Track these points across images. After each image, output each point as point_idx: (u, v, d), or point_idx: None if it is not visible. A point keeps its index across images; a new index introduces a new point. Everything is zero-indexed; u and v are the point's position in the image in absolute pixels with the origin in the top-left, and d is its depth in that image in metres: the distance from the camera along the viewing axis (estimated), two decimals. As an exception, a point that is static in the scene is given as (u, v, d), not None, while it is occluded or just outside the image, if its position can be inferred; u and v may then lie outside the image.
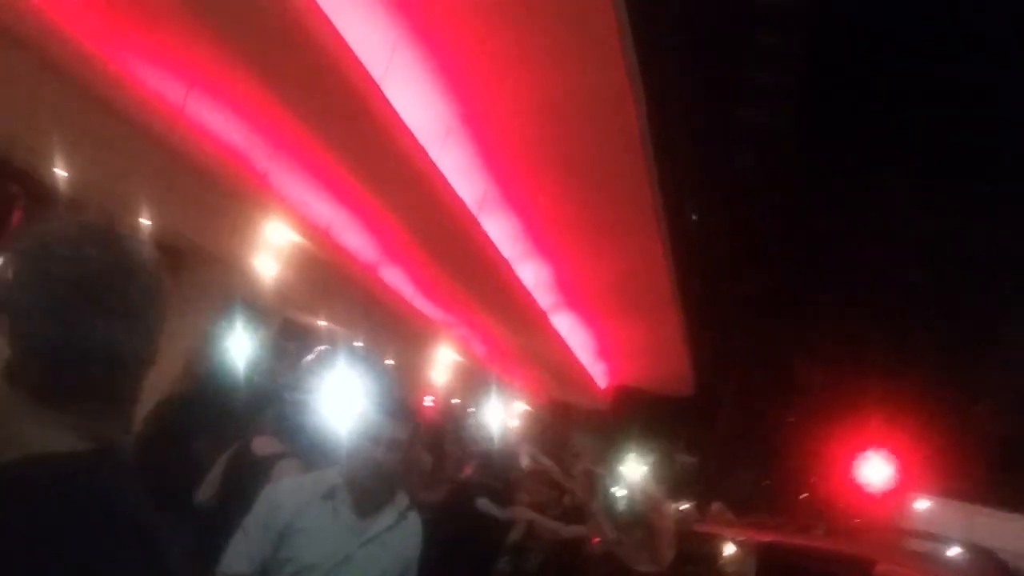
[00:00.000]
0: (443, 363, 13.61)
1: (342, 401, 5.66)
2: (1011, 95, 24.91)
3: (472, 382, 14.36)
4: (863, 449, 21.47)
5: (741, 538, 5.30)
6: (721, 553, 6.17)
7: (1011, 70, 24.66)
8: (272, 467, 4.03)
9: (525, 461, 7.46)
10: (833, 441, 22.92)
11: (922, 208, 24.35)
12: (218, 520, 3.92)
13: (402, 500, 3.32)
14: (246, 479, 4.00)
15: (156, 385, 4.95)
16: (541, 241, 11.46)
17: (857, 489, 20.88)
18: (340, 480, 3.21)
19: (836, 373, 25.58)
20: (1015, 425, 23.42)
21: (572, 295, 13.58)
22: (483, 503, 5.60)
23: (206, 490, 4.20)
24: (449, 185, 8.69)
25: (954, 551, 3.27)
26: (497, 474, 6.29)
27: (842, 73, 26.93)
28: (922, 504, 18.66)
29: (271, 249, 9.23)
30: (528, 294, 12.09)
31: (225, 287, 8.47)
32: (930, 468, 20.60)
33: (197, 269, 8.31)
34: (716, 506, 9.35)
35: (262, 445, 4.19)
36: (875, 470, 21.10)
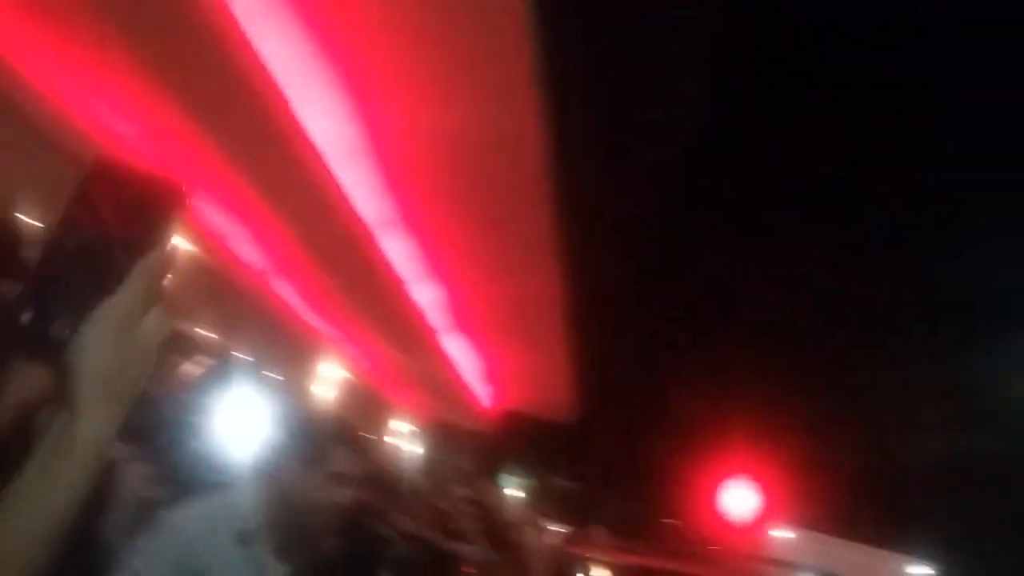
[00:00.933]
0: (331, 379, 13.40)
1: (239, 420, 5.52)
2: (904, 154, 26.53)
3: (359, 399, 14.19)
4: (728, 478, 22.32)
5: (611, 560, 5.45)
6: (592, 574, 6.32)
7: (908, 126, 26.25)
8: (121, 469, 3.88)
9: (412, 483, 7.46)
10: (701, 470, 23.70)
11: (793, 249, 25.62)
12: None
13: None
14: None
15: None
16: (438, 264, 11.47)
17: (721, 517, 21.65)
18: (257, 517, 2.68)
19: (707, 405, 26.50)
20: (871, 461, 24.81)
21: (464, 318, 13.63)
22: (379, 525, 5.57)
23: None
24: (349, 202, 8.63)
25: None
26: (384, 494, 6.26)
27: (740, 117, 28.12)
28: (784, 534, 19.51)
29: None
30: (420, 314, 12.07)
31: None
32: (792, 500, 21.55)
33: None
34: (595, 530, 9.52)
35: (117, 450, 4.00)
36: (739, 499, 21.96)
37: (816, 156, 27.31)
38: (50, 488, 1.00)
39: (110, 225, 1.10)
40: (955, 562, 20.88)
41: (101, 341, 1.03)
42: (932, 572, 18.78)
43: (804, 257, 25.48)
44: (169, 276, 1.15)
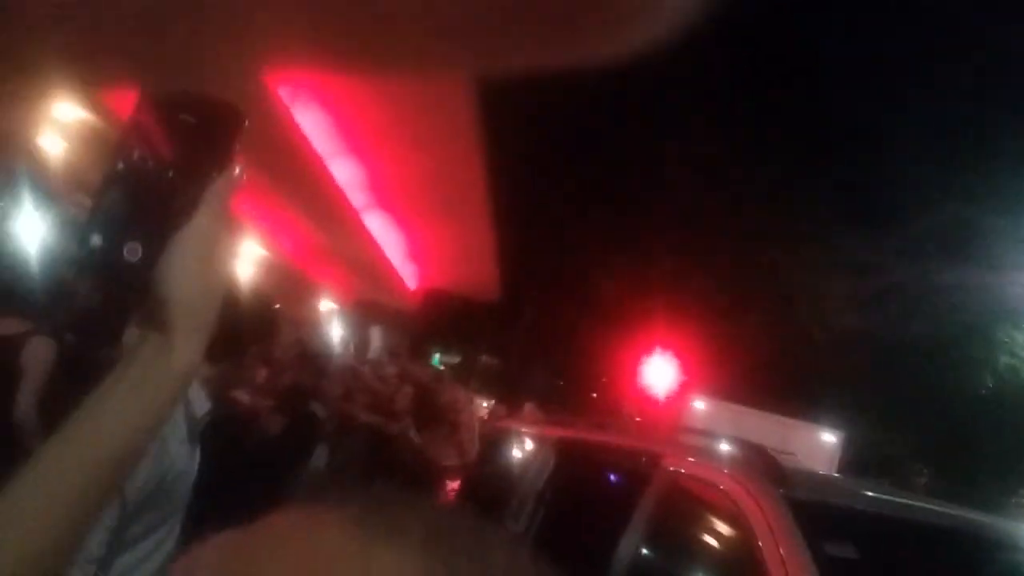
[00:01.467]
0: (247, 258, 13.21)
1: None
2: (805, 40, 26.67)
3: (279, 278, 14.06)
4: (648, 353, 23.13)
5: (540, 433, 5.67)
6: (522, 447, 6.57)
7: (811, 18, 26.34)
8: (22, 347, 3.80)
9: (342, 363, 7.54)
10: (622, 347, 24.46)
11: (710, 134, 25.88)
12: None
13: None
14: None
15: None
16: (356, 138, 11.24)
17: (642, 389, 22.55)
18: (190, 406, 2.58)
19: (628, 283, 27.11)
20: (783, 334, 25.87)
21: (385, 195, 13.48)
22: (316, 406, 5.66)
23: None
24: (262, 77, 8.33)
25: (726, 445, 3.69)
26: (316, 375, 6.34)
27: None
28: (700, 404, 20.38)
29: (60, 127, 8.54)
30: (340, 191, 11.90)
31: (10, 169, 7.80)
32: (707, 372, 22.45)
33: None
34: (528, 406, 9.81)
35: (4, 325, 3.89)
36: (659, 373, 22.85)
37: (735, 44, 27.26)
38: (140, 411, 1.01)
39: (172, 151, 1.09)
40: (860, 428, 22.18)
41: (187, 268, 1.05)
42: (838, 438, 19.94)
43: (721, 138, 25.75)
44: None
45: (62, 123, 8.48)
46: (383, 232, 14.85)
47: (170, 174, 1.10)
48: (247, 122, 1.19)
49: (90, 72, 7.61)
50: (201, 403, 2.60)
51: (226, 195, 1.15)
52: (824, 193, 26.04)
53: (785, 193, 26.72)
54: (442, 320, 21.95)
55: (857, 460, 22.25)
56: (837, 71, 26.76)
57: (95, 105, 8.61)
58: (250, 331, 3.03)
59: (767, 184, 26.44)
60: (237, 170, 1.17)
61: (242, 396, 4.92)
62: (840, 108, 26.61)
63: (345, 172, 11.78)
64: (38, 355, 3.78)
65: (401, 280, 18.05)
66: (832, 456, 19.93)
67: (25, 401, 3.66)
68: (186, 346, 1.05)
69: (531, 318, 28.88)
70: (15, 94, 7.85)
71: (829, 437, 20.03)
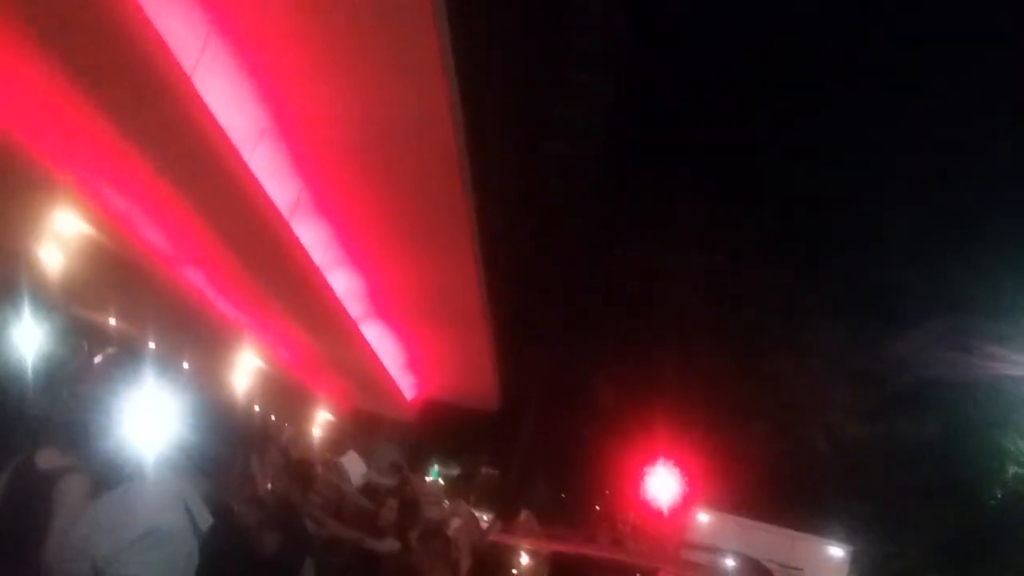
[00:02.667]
0: (245, 368, 13.14)
1: (140, 410, 5.35)
2: (801, 147, 27.33)
3: (275, 388, 13.97)
4: (650, 463, 22.71)
5: (534, 548, 5.50)
6: (516, 562, 6.36)
7: (804, 127, 27.05)
8: (56, 483, 3.70)
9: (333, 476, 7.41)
10: (624, 456, 24.07)
11: (711, 242, 26.20)
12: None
13: None
14: (28, 499, 3.66)
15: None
16: (353, 249, 11.37)
17: (645, 501, 22.03)
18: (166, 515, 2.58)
19: (629, 392, 26.90)
20: (787, 445, 25.50)
21: (383, 305, 13.54)
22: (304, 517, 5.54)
23: None
24: (260, 186, 8.48)
25: (727, 560, 3.54)
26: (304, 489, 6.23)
27: (651, 110, 28.62)
28: (703, 517, 19.88)
29: (60, 240, 8.63)
30: (338, 302, 11.94)
31: (7, 278, 7.82)
32: (711, 484, 22.01)
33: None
34: (524, 515, 9.55)
35: (46, 459, 3.81)
36: (662, 485, 22.37)
37: (730, 151, 27.96)
38: None
39: None
40: (869, 542, 21.59)
41: None
42: (846, 552, 19.38)
43: (720, 248, 26.06)
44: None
45: (61, 236, 8.59)
46: (381, 342, 14.85)
47: None
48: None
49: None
50: (204, 517, 2.58)
51: None
52: (826, 302, 26.17)
53: (788, 302, 26.88)
54: (440, 431, 21.68)
55: (868, 574, 21.56)
56: (850, 176, 27.23)
57: (93, 218, 8.76)
58: (242, 445, 3.08)
59: (770, 292, 26.64)
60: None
61: (239, 508, 4.81)
62: (842, 214, 27.02)
63: (342, 282, 11.87)
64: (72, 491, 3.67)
65: (399, 390, 17.94)
66: (840, 571, 19.31)
67: (55, 540, 3.54)
68: None
69: (531, 428, 28.52)
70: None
71: (837, 551, 19.46)
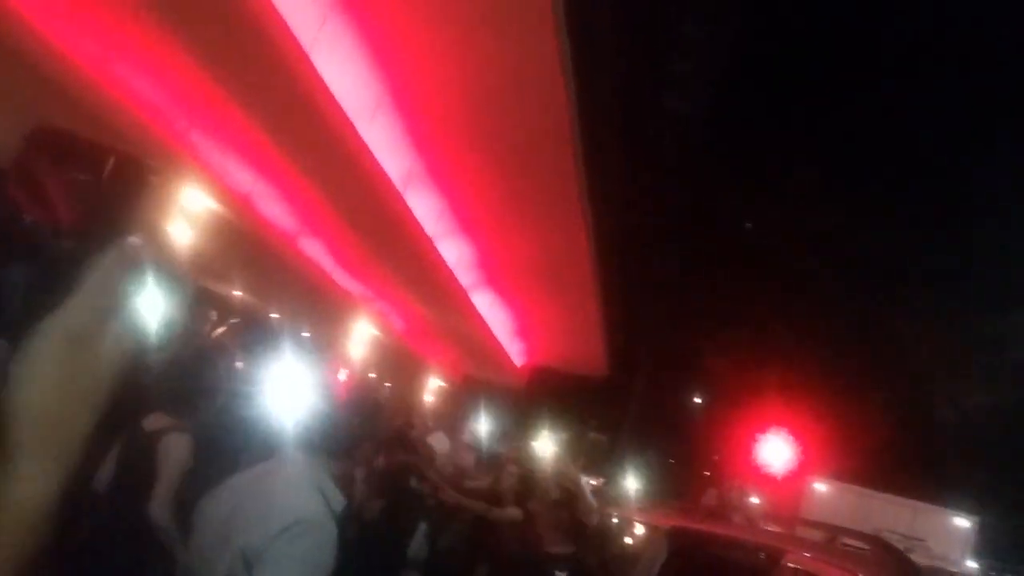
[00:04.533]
0: (361, 337, 13.49)
1: (269, 386, 5.54)
2: (925, 106, 26.02)
3: (390, 358, 14.29)
4: (764, 432, 22.28)
5: (652, 521, 5.45)
6: (633, 533, 6.33)
7: (927, 84, 25.73)
8: (159, 440, 3.91)
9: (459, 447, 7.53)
10: (736, 423, 23.69)
11: (826, 204, 25.29)
12: (115, 510, 3.78)
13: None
14: (137, 457, 3.86)
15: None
16: (465, 219, 11.43)
17: (758, 469, 21.65)
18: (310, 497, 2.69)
19: (741, 359, 26.40)
20: (907, 413, 24.60)
21: (493, 274, 13.61)
22: (414, 482, 5.63)
23: (100, 480, 3.84)
24: (375, 159, 8.59)
25: (859, 544, 3.41)
26: (426, 454, 6.34)
27: (765, 69, 27.65)
28: (820, 487, 19.44)
29: (187, 215, 8.97)
30: (449, 271, 12.07)
31: (137, 252, 8.20)
32: (828, 453, 21.47)
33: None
34: (711, 493, 9.32)
35: (151, 421, 4.04)
36: (775, 452, 21.92)
37: (848, 109, 26.78)
38: None
39: (57, 211, 0.90)
40: (995, 512, 20.72)
41: (44, 371, 0.76)
42: (971, 523, 18.64)
43: (839, 209, 25.12)
44: (134, 277, 0.85)
45: (188, 211, 8.95)
46: (491, 310, 14.96)
47: (52, 240, 0.84)
48: (154, 181, 0.95)
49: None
50: (338, 500, 2.67)
51: (117, 272, 0.84)
52: (955, 265, 25.01)
53: (913, 265, 25.76)
54: (549, 397, 21.79)
55: (994, 546, 20.70)
56: (974, 138, 25.87)
57: (217, 193, 9.08)
58: (368, 425, 3.08)
59: (893, 255, 25.59)
60: (137, 241, 0.86)
61: (363, 486, 4.94)
62: (975, 177, 25.69)
63: (454, 252, 11.97)
64: (176, 450, 3.89)
65: (509, 357, 18.08)
66: (966, 542, 18.60)
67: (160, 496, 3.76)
68: (31, 475, 0.76)
69: (640, 395, 28.35)
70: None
71: (962, 522, 18.75)
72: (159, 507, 3.75)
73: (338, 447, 2.79)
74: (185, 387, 4.29)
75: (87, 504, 3.88)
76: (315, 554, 2.49)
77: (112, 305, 0.86)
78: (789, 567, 3.30)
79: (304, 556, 2.46)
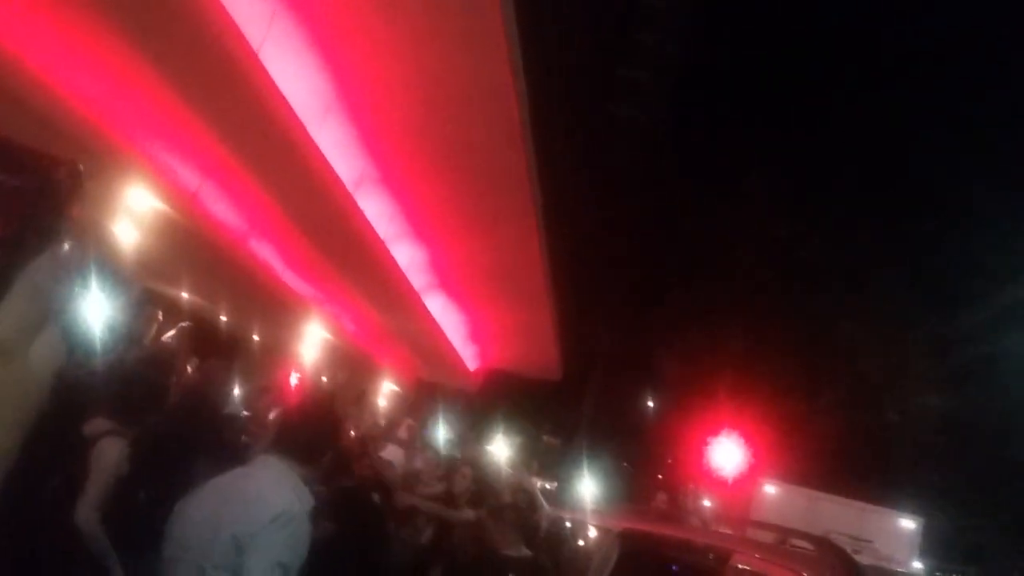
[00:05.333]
0: (312, 341, 13.34)
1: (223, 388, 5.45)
2: (879, 113, 26.59)
3: (342, 362, 14.16)
4: (716, 435, 22.54)
5: (603, 524, 5.47)
6: (584, 535, 6.35)
7: (882, 91, 26.32)
8: (95, 444, 3.87)
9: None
10: (689, 427, 23.92)
11: (778, 210, 25.70)
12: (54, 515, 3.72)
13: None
14: (71, 463, 3.82)
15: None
16: (417, 222, 11.39)
17: (708, 472, 21.89)
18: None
19: (691, 362, 26.67)
20: (852, 417, 25.07)
21: (446, 277, 13.58)
22: (377, 497, 5.64)
23: (45, 483, 3.78)
24: (326, 161, 8.53)
25: (805, 545, 3.45)
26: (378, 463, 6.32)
27: (716, 76, 28.02)
28: (770, 488, 19.70)
29: (133, 215, 8.80)
30: (402, 274, 12.01)
31: (82, 254, 8.01)
32: (778, 455, 21.78)
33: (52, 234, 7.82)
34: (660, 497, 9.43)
35: (92, 425, 3.99)
36: (727, 455, 22.18)
37: (802, 115, 27.27)
38: None
39: None
40: (939, 514, 21.19)
41: None
42: (917, 524, 19.04)
43: (788, 215, 25.57)
44: (65, 284, 0.91)
45: (133, 211, 8.77)
46: (444, 314, 14.92)
47: None
48: (84, 189, 0.97)
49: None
50: (307, 500, 3.04)
51: (45, 281, 0.87)
52: (900, 269, 25.54)
53: (862, 270, 26.27)
54: (503, 401, 21.79)
55: (939, 546, 21.16)
56: (918, 144, 26.50)
57: (164, 193, 8.92)
58: (326, 432, 3.37)
59: (842, 261, 26.07)
60: (67, 245, 0.91)
61: (323, 489, 4.91)
62: (917, 183, 26.29)
63: (406, 255, 11.92)
64: (108, 455, 3.81)
65: (462, 361, 18.03)
66: (912, 543, 19.00)
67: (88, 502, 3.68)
68: None
69: (594, 398, 28.50)
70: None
71: (908, 523, 19.15)
72: (85, 512, 3.68)
73: (304, 454, 3.09)
74: (131, 392, 4.23)
75: (28, 509, 3.80)
76: (295, 541, 2.89)
77: (42, 314, 0.87)
78: (737, 568, 3.33)
79: (287, 541, 2.84)
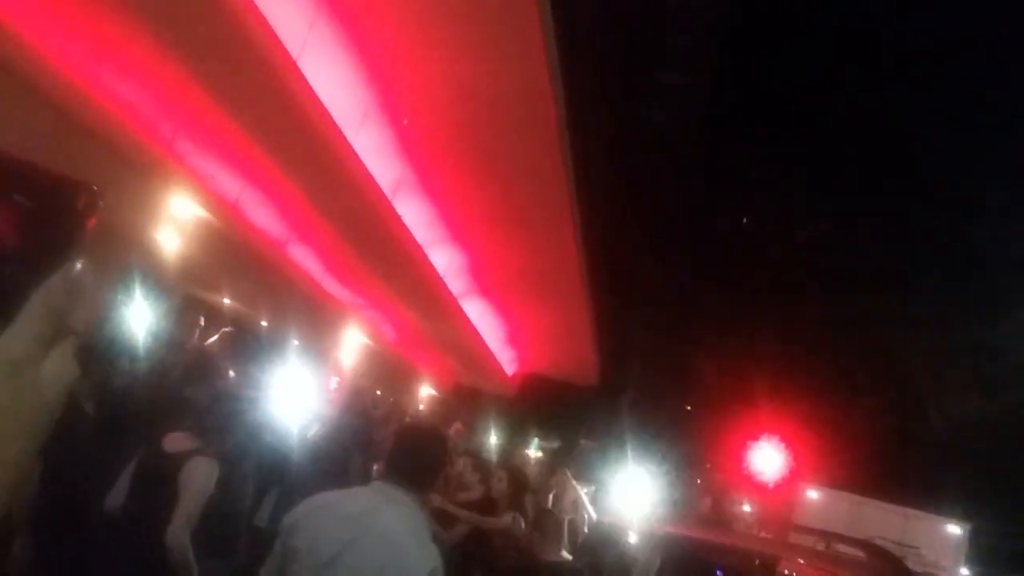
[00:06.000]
0: (351, 346, 13.42)
1: (266, 392, 5.46)
2: (915, 113, 26.16)
3: (382, 366, 14.23)
4: (755, 439, 22.27)
5: (646, 528, 5.42)
6: (628, 541, 6.29)
7: (918, 92, 25.90)
8: (184, 463, 3.85)
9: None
10: (728, 431, 23.68)
11: (816, 213, 25.43)
12: (128, 529, 3.75)
13: None
14: (157, 478, 3.82)
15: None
16: (455, 227, 11.42)
17: (748, 477, 21.64)
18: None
19: (730, 366, 26.42)
20: (896, 421, 24.66)
21: (483, 282, 13.60)
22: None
23: (114, 497, 3.86)
24: (364, 167, 8.57)
25: (851, 550, 3.37)
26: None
27: (751, 78, 27.78)
28: (813, 494, 19.44)
29: (175, 223, 8.91)
30: (440, 279, 12.04)
31: (126, 262, 8.13)
32: (820, 460, 21.48)
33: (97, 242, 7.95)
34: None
35: (172, 441, 3.98)
36: (767, 459, 21.91)
37: (837, 118, 26.95)
38: None
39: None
40: (986, 520, 20.76)
41: None
42: (963, 530, 18.65)
43: (828, 219, 25.28)
44: (78, 302, 0.92)
45: (176, 219, 8.89)
46: (481, 318, 14.94)
47: None
48: (97, 207, 0.95)
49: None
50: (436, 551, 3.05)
51: (59, 298, 0.86)
52: (946, 272, 25.12)
53: (903, 272, 25.88)
54: (540, 404, 21.74)
55: (986, 553, 20.74)
56: (962, 145, 26.02)
57: (207, 202, 9.02)
58: (441, 463, 3.39)
59: (883, 263, 25.72)
60: (78, 266, 0.90)
61: None
62: (961, 184, 25.83)
63: (444, 260, 11.95)
64: (201, 476, 3.81)
65: (499, 365, 18.04)
66: (958, 549, 18.61)
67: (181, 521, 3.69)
68: None
69: (631, 402, 28.35)
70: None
71: (954, 529, 18.76)
72: (179, 532, 3.67)
73: (425, 483, 3.13)
74: (217, 410, 4.20)
75: (96, 516, 3.82)
76: None
77: (54, 330, 0.89)
78: (784, 574, 3.28)
79: None
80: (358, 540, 2.88)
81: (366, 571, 2.82)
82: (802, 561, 3.30)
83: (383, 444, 6.75)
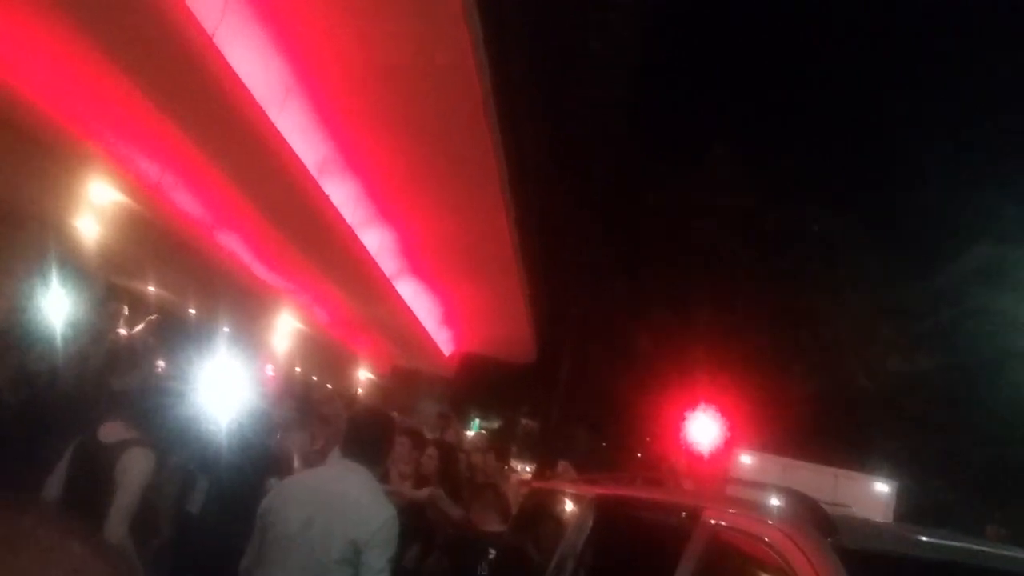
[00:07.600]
0: (285, 332, 13.25)
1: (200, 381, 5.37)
2: (841, 81, 26.72)
3: (314, 351, 14.08)
4: (691, 409, 22.69)
5: (578, 492, 5.50)
6: (562, 507, 6.37)
7: (844, 58, 26.41)
8: (121, 454, 3.78)
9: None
10: (664, 403, 24.06)
11: (744, 182, 25.83)
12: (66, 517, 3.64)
13: None
14: (94, 468, 3.76)
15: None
16: (384, 206, 11.32)
17: (686, 446, 22.06)
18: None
19: (667, 338, 26.80)
20: (824, 385, 25.32)
21: (416, 261, 13.52)
22: None
23: (51, 487, 3.79)
24: (289, 146, 8.44)
25: (774, 496, 3.50)
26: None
27: (682, 45, 28.05)
28: (746, 459, 19.89)
29: (93, 209, 8.68)
30: (371, 260, 11.94)
31: (42, 250, 7.89)
32: (753, 426, 21.96)
33: (10, 230, 7.70)
34: (562, 465, 9.56)
35: (109, 431, 3.90)
36: (704, 429, 22.36)
37: (763, 86, 27.41)
38: None
39: None
40: (914, 477, 21.50)
41: None
42: (891, 487, 19.30)
43: (751, 188, 25.71)
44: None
45: (96, 205, 8.65)
46: (416, 298, 14.87)
47: None
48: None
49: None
50: (390, 503, 3.72)
51: None
52: (863, 237, 25.76)
53: (824, 239, 26.50)
54: (479, 384, 21.79)
55: (913, 509, 21.51)
56: (881, 112, 26.61)
57: (127, 187, 8.80)
58: (390, 442, 4.05)
59: (805, 231, 26.30)
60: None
61: None
62: (880, 145, 26.48)
63: (375, 240, 11.85)
64: (139, 466, 3.72)
65: (436, 346, 18.01)
66: (887, 506, 19.27)
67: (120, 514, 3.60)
68: None
69: (569, 378, 28.60)
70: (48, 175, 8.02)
71: (882, 487, 19.40)
72: (118, 526, 3.60)
73: (377, 457, 3.80)
74: (153, 400, 4.15)
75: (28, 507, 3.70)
76: (395, 538, 3.53)
77: None
78: (710, 523, 3.36)
79: (393, 540, 3.52)
80: (325, 503, 3.49)
81: (335, 525, 3.42)
82: (729, 511, 3.42)
83: (325, 429, 6.70)
